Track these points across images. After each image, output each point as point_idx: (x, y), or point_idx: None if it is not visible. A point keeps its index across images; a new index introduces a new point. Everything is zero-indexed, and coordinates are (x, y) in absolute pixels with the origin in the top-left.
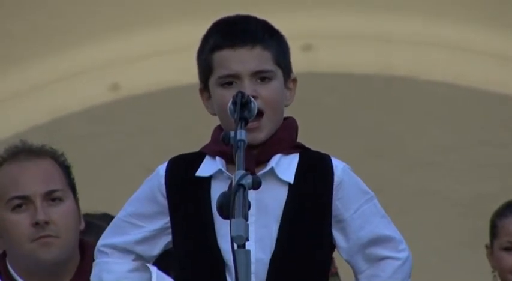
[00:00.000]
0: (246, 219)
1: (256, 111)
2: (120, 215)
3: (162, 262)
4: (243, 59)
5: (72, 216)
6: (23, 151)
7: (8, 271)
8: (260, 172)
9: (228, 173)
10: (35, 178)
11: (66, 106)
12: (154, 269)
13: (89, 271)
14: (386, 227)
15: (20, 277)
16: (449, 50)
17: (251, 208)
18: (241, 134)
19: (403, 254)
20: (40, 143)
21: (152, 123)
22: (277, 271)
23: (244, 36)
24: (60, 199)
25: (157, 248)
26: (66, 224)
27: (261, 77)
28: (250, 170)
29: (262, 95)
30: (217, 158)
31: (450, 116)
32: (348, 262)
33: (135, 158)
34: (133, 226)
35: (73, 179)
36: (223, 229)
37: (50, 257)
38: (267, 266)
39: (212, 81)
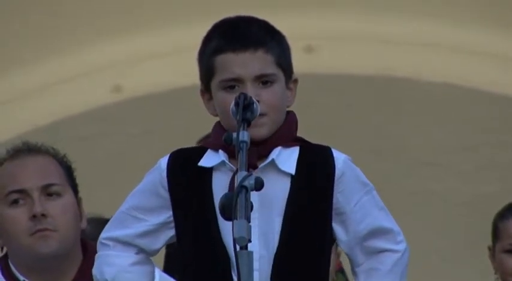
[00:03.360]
0: (249, 220)
1: (258, 112)
2: (122, 208)
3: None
4: (246, 63)
5: (70, 211)
6: (22, 150)
7: (10, 269)
8: (261, 165)
9: (230, 164)
10: (32, 173)
11: (68, 107)
12: (157, 271)
13: (91, 270)
14: (385, 219)
15: (22, 275)
16: (449, 51)
17: (254, 203)
18: (244, 136)
19: (401, 246)
20: (41, 143)
21: (155, 124)
22: (281, 265)
23: (246, 39)
24: (58, 194)
25: (159, 242)
26: (64, 219)
27: (263, 80)
28: (251, 163)
29: (265, 99)
30: (220, 151)
31: (451, 117)
32: (347, 254)
33: (137, 159)
34: (136, 220)
35: (74, 179)
36: (226, 224)
37: (48, 250)
38: (270, 262)
39: (214, 84)
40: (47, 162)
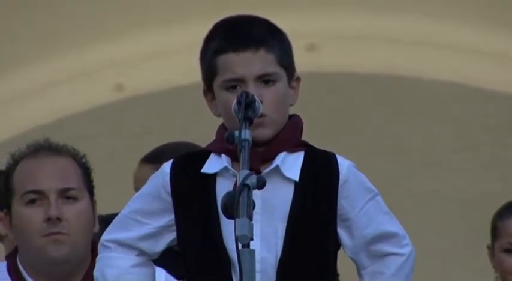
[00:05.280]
0: (251, 219)
1: (260, 110)
2: (124, 212)
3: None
4: (247, 63)
5: (85, 216)
6: (43, 148)
7: (18, 270)
8: (265, 170)
9: (233, 170)
10: (51, 174)
11: (70, 106)
12: (163, 272)
13: None
14: (390, 223)
15: (30, 276)
16: (453, 50)
17: (256, 206)
18: (246, 134)
19: (406, 250)
20: (62, 142)
21: (156, 123)
22: (287, 271)
23: (247, 39)
24: (75, 198)
25: (161, 244)
26: (78, 224)
27: (265, 80)
28: (255, 168)
29: (267, 98)
30: (223, 155)
31: (451, 116)
32: (352, 259)
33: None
34: (138, 223)
35: (92, 180)
36: (228, 227)
37: (59, 254)
38: (274, 266)
39: (216, 84)
40: (67, 164)
